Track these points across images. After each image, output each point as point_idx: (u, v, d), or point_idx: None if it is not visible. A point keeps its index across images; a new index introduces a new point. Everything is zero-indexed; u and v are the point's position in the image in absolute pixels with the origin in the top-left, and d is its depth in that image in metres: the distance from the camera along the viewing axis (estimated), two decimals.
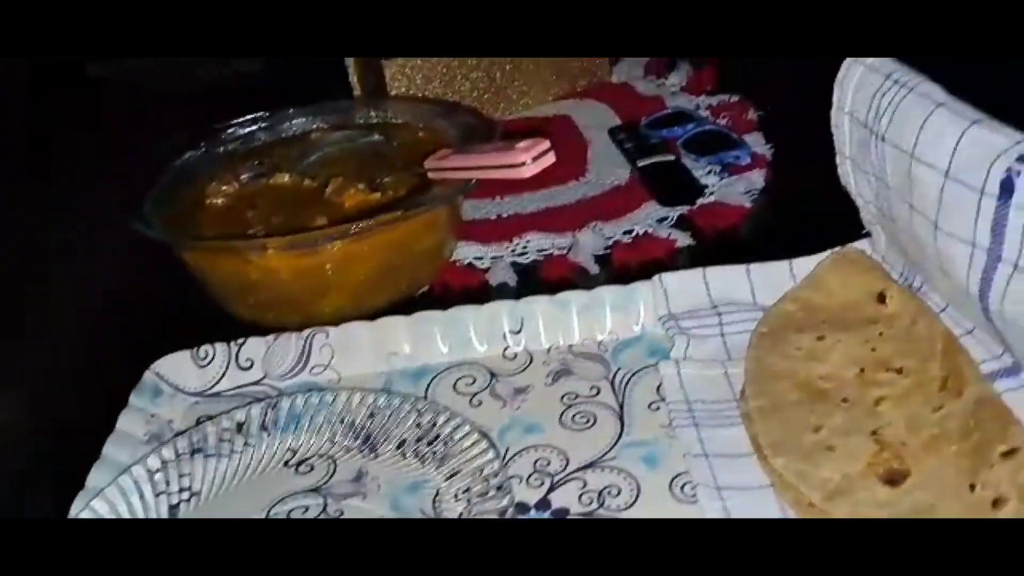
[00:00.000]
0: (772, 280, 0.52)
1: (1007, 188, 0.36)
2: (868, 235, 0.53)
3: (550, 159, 0.47)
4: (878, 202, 0.47)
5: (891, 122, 0.42)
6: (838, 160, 0.50)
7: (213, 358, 0.53)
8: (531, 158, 0.47)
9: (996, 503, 0.35)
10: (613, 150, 0.77)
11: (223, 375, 0.52)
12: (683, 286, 0.52)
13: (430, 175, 0.56)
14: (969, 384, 0.41)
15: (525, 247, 0.65)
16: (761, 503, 0.39)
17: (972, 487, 0.36)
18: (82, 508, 0.42)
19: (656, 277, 0.52)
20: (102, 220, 0.61)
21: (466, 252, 0.65)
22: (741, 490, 0.40)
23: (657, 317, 0.52)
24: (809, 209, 0.63)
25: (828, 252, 0.52)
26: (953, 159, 0.38)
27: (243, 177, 0.64)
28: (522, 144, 0.47)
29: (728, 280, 0.52)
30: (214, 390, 0.52)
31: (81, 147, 0.91)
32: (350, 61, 0.85)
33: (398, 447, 0.46)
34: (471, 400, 0.49)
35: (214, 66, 1.03)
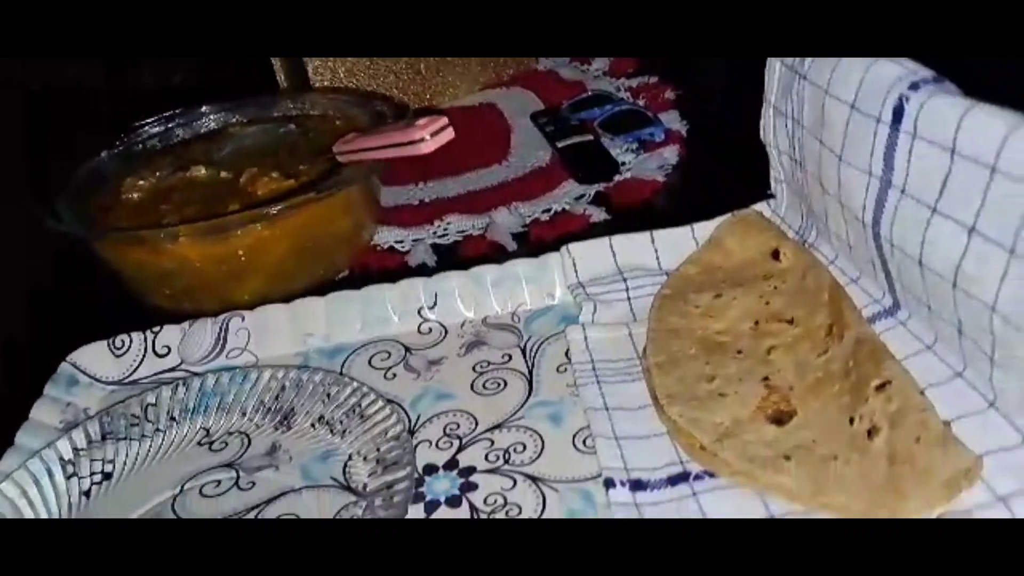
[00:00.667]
0: (675, 245, 0.53)
1: (898, 115, 0.37)
2: (771, 197, 0.55)
3: (448, 135, 0.48)
4: (791, 149, 0.49)
5: (812, 61, 0.44)
6: (763, 110, 0.52)
7: (129, 347, 0.53)
8: (429, 134, 0.48)
9: (871, 433, 0.37)
10: (535, 134, 0.78)
11: (140, 363, 0.53)
12: (590, 254, 0.53)
13: (340, 159, 0.57)
14: (850, 328, 0.42)
15: (446, 229, 0.66)
16: (656, 450, 0.40)
17: (851, 421, 0.38)
18: None
19: (564, 248, 0.54)
20: (19, 218, 0.61)
21: (387, 236, 0.65)
22: (638, 439, 0.41)
23: (567, 286, 0.53)
24: (718, 181, 0.65)
25: (728, 215, 0.54)
26: (858, 91, 0.40)
27: (159, 173, 0.64)
28: (421, 121, 0.49)
29: (633, 247, 0.54)
30: (131, 378, 0.52)
31: None
32: (277, 59, 0.86)
33: (310, 420, 0.46)
34: (385, 374, 0.50)
35: (139, 71, 1.02)
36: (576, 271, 0.53)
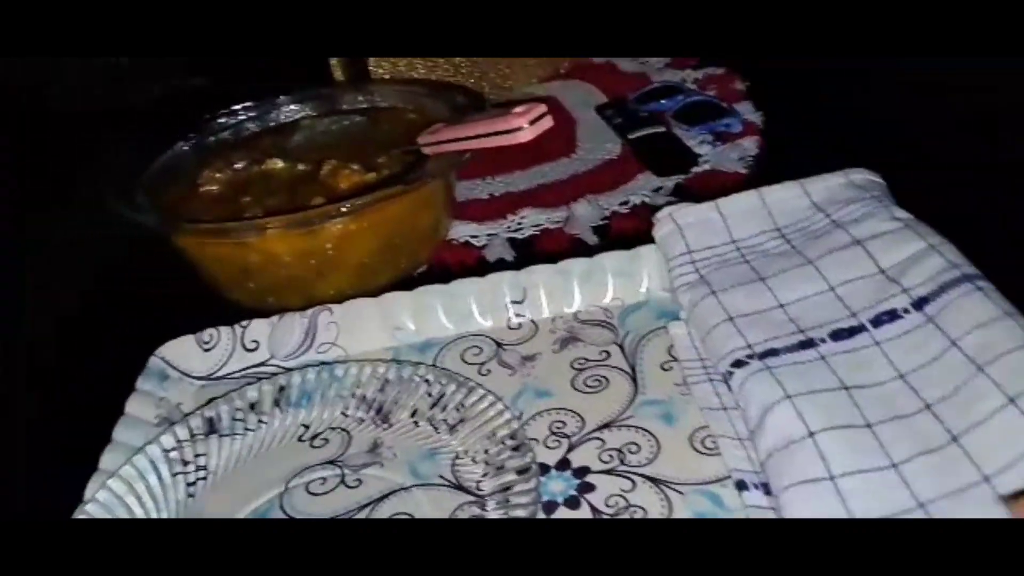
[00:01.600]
0: (786, 203, 0.51)
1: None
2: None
3: (548, 123, 0.47)
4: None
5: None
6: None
7: (218, 342, 0.52)
8: (528, 121, 0.47)
9: None
10: (602, 126, 0.77)
11: (229, 358, 0.52)
12: (698, 219, 0.51)
13: (424, 151, 0.56)
14: None
15: (520, 223, 0.65)
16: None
17: None
18: (97, 489, 0.41)
19: (666, 214, 0.52)
20: (97, 212, 0.61)
21: (461, 231, 0.64)
22: None
23: (671, 256, 0.51)
24: (802, 171, 0.63)
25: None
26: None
27: (236, 165, 0.64)
28: (518, 109, 0.47)
29: (743, 208, 0.51)
30: (220, 373, 0.52)
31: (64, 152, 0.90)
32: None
33: (411, 416, 0.45)
34: (479, 369, 0.49)
35: (167, 82, 1.02)
36: (684, 239, 0.51)
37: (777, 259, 0.48)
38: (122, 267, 0.67)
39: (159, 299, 0.61)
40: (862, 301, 0.44)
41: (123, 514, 0.41)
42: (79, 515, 0.40)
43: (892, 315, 0.43)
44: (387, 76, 0.82)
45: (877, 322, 0.43)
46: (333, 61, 0.84)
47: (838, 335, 0.43)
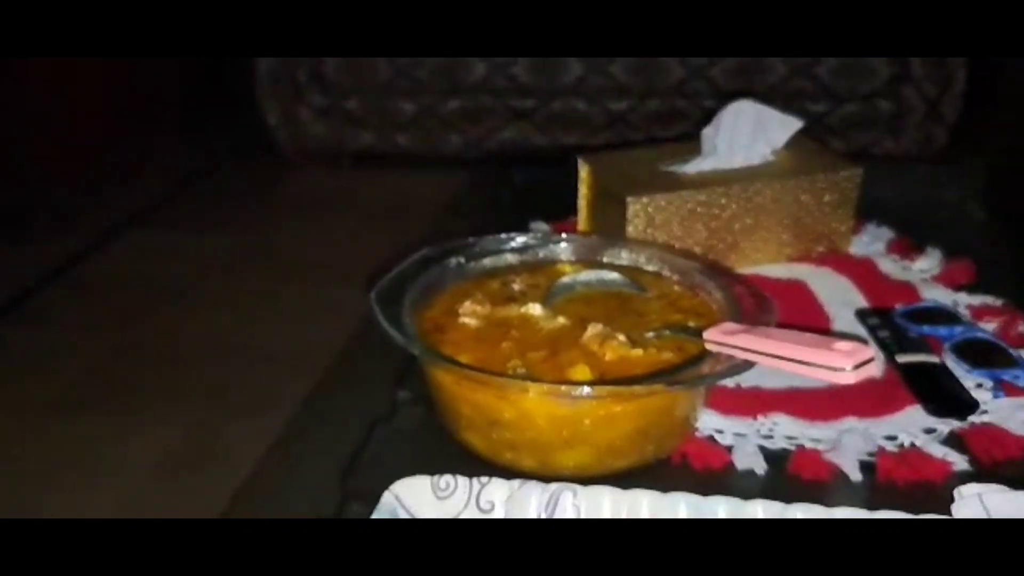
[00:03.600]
0: None
1: None
2: None
3: (872, 370, 0.43)
4: None
5: None
6: None
7: (454, 491, 0.50)
8: (852, 364, 0.43)
9: None
10: (862, 334, 0.72)
11: (461, 512, 0.50)
12: (1010, 507, 0.46)
13: (708, 346, 0.53)
14: None
15: (771, 430, 0.60)
16: None
17: None
18: None
19: (976, 495, 0.47)
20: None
21: (707, 422, 0.61)
22: None
23: None
24: None
25: None
26: None
27: (493, 300, 0.63)
28: (842, 346, 0.44)
29: None
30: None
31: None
32: (582, 188, 0.85)
33: None
34: None
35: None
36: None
37: None
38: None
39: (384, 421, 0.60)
40: None
41: None
42: None
43: None
44: (641, 229, 0.80)
45: None
46: (580, 204, 0.84)
47: None
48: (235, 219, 2.16)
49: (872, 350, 0.44)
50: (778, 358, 0.48)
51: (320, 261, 1.94)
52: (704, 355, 0.53)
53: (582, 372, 0.54)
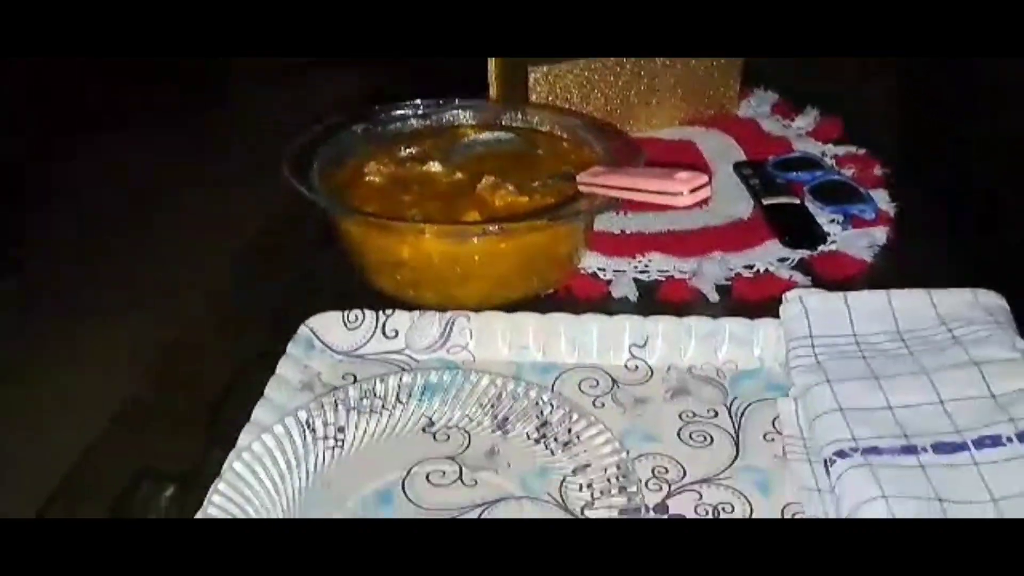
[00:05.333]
0: (913, 310, 0.54)
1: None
2: None
3: (706, 193, 0.51)
4: None
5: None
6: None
7: (361, 323, 0.58)
8: (688, 189, 0.51)
9: None
10: (737, 184, 0.80)
11: (368, 340, 0.57)
12: (825, 308, 0.55)
13: (581, 188, 0.60)
14: None
15: (647, 265, 0.68)
16: None
17: None
18: (252, 440, 0.47)
19: (794, 295, 0.55)
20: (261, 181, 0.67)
21: (591, 262, 0.68)
22: None
23: (791, 339, 0.54)
24: (926, 270, 0.65)
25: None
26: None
27: (398, 161, 0.69)
28: (681, 174, 0.51)
29: (869, 307, 0.55)
30: (359, 352, 0.57)
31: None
32: (491, 62, 0.90)
33: (526, 432, 0.50)
34: (594, 401, 0.53)
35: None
36: (809, 323, 0.54)
37: (893, 361, 0.51)
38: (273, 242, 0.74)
39: (312, 270, 0.67)
40: (969, 421, 0.46)
41: (268, 464, 0.46)
42: (235, 460, 0.46)
43: (995, 440, 0.45)
44: (544, 98, 0.86)
45: (980, 444, 0.45)
46: (491, 78, 0.89)
47: (940, 448, 0.45)
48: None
49: (705, 177, 0.51)
50: (631, 190, 0.55)
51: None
52: (578, 197, 0.61)
53: (472, 216, 0.60)
